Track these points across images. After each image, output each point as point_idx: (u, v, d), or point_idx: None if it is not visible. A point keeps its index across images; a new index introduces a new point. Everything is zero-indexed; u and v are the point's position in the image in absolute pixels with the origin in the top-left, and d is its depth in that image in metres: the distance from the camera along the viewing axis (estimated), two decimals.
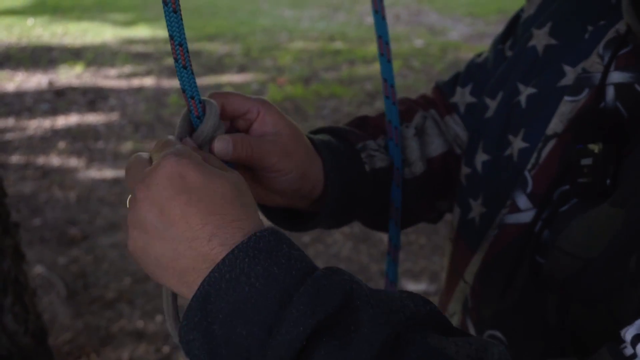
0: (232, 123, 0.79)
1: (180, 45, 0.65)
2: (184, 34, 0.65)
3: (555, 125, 0.79)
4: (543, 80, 0.83)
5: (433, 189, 0.99)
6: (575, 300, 0.68)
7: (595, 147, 0.71)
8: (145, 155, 0.66)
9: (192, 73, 0.67)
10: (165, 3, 0.64)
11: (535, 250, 0.75)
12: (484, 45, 7.29)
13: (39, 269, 3.16)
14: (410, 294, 0.57)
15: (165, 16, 0.65)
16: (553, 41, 0.85)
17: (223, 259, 0.56)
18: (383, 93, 0.93)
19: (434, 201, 1.02)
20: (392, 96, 0.92)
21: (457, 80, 1.04)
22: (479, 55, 1.05)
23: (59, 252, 3.46)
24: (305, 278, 0.55)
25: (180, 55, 0.65)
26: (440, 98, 1.04)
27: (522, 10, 0.98)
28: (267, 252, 0.56)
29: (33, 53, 7.15)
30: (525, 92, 0.85)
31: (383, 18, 0.89)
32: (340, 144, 0.88)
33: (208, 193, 0.59)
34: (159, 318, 2.93)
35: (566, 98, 0.79)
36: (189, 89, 0.68)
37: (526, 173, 0.80)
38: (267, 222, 0.76)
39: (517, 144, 0.84)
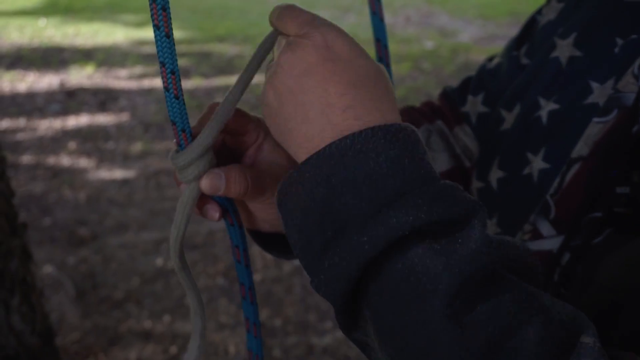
0: (224, 139, 0.73)
1: (173, 73, 0.60)
2: (176, 60, 0.60)
3: (581, 147, 0.73)
4: (567, 96, 0.78)
5: None
6: (613, 338, 0.63)
7: (634, 175, 0.66)
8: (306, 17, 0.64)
9: (184, 103, 0.62)
10: (157, 27, 0.58)
11: (561, 282, 0.71)
12: (495, 47, 7.28)
13: (48, 269, 3.18)
14: (523, 243, 0.56)
15: (157, 41, 0.59)
16: (578, 53, 0.79)
17: (360, 132, 0.54)
18: None
19: None
20: None
21: (468, 87, 0.98)
22: (490, 59, 0.99)
23: (68, 252, 3.47)
24: (432, 181, 0.53)
25: (172, 84, 0.60)
26: (449, 107, 0.99)
27: (539, 13, 0.92)
28: (404, 143, 0.54)
29: (45, 54, 7.19)
30: (547, 107, 0.79)
31: (381, 20, 0.85)
32: None
33: (354, 66, 0.58)
34: (166, 318, 2.94)
35: (595, 119, 0.72)
36: (179, 122, 0.62)
37: (548, 198, 0.75)
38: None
39: (537, 163, 0.78)
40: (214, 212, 0.70)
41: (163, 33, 0.59)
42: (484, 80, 0.96)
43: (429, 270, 0.49)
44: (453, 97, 1.00)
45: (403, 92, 5.74)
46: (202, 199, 0.69)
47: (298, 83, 0.57)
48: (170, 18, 0.59)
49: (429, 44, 7.50)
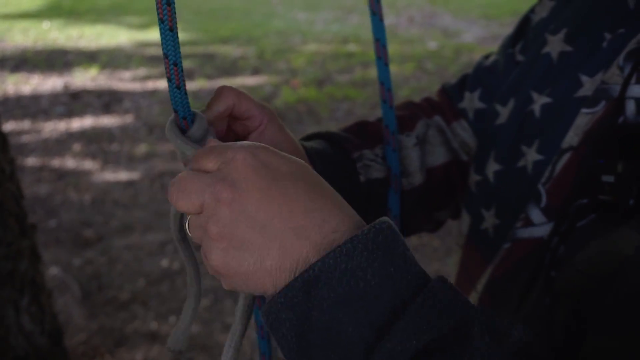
0: (230, 124, 0.76)
1: (175, 64, 0.62)
2: (179, 53, 0.63)
3: (571, 138, 0.76)
4: (558, 89, 0.81)
5: (432, 200, 0.97)
6: (586, 319, 0.65)
7: (619, 166, 0.68)
8: (186, 172, 0.58)
9: (186, 93, 0.65)
10: (161, 20, 0.61)
11: (551, 265, 0.73)
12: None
13: (54, 270, 3.19)
14: (510, 321, 0.54)
15: (161, 34, 0.62)
16: (568, 48, 0.82)
17: (340, 247, 0.51)
18: (380, 97, 0.91)
19: (433, 212, 1.00)
20: (390, 100, 0.90)
21: (465, 84, 1.01)
22: (487, 57, 1.02)
23: (74, 253, 3.48)
24: (422, 287, 0.51)
25: (175, 75, 0.63)
26: (447, 103, 1.02)
27: (532, 11, 0.95)
28: (385, 248, 0.52)
29: (49, 56, 7.21)
30: (540, 101, 0.82)
31: (381, 20, 0.86)
32: (335, 153, 0.87)
33: (302, 177, 0.55)
34: (172, 319, 2.94)
35: (583, 110, 0.75)
36: (181, 110, 0.65)
37: (540, 187, 0.78)
38: None
39: (532, 155, 0.81)
40: None
41: (167, 26, 0.62)
42: (481, 77, 0.99)
43: None
44: (451, 94, 1.02)
45: (407, 92, 5.75)
46: None
47: (258, 215, 0.53)
48: (175, 12, 0.62)
49: (433, 45, 7.50)
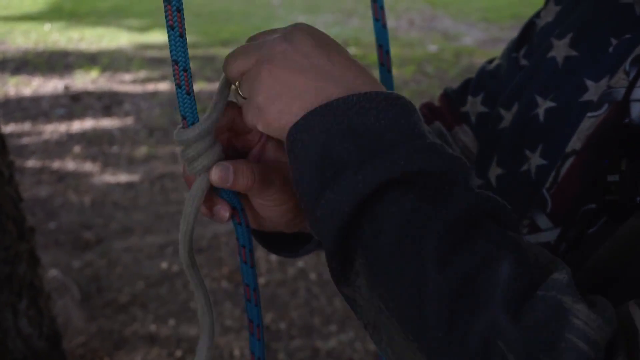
0: (230, 139, 0.74)
1: (185, 70, 0.63)
2: (188, 58, 0.64)
3: (574, 142, 0.76)
4: (563, 94, 0.80)
5: None
6: None
7: (622, 164, 0.68)
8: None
9: (195, 99, 0.65)
10: (171, 27, 0.62)
11: None
12: (499, 51, 7.20)
13: (53, 273, 3.19)
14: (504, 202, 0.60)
15: (171, 41, 0.62)
16: (574, 53, 0.81)
17: (365, 93, 0.59)
18: None
19: None
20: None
21: (468, 88, 1.00)
22: (490, 61, 1.01)
23: (73, 255, 3.48)
24: (424, 138, 0.58)
25: (185, 81, 0.63)
26: (448, 107, 1.01)
27: (537, 16, 0.94)
28: (402, 109, 0.59)
29: (49, 58, 7.22)
30: (544, 105, 0.82)
31: (383, 26, 0.86)
32: None
33: (343, 50, 0.64)
34: (171, 322, 2.94)
35: (588, 114, 0.75)
36: (190, 116, 0.66)
37: (544, 192, 0.77)
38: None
39: (535, 160, 0.81)
40: (224, 211, 0.71)
41: (177, 33, 0.62)
42: (484, 81, 0.98)
43: (421, 214, 0.53)
44: (453, 98, 1.01)
45: (407, 95, 5.72)
46: (211, 199, 0.71)
47: (304, 63, 0.61)
48: (184, 18, 0.62)
49: (433, 48, 7.50)
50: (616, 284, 0.63)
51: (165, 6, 0.61)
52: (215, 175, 0.67)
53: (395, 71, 6.44)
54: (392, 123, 0.58)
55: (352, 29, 8.57)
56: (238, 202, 0.72)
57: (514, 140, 0.85)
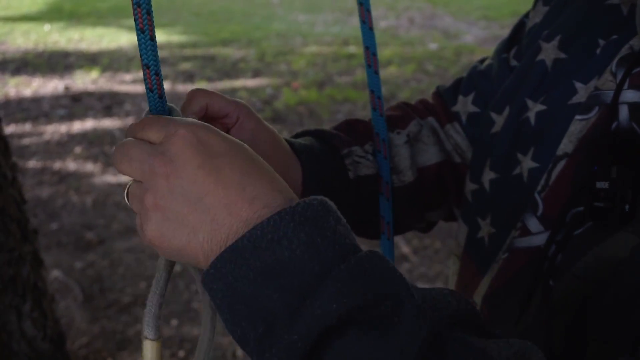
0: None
1: (157, 74, 0.62)
2: (159, 62, 0.63)
3: (565, 145, 0.76)
4: (553, 96, 0.80)
5: (423, 199, 0.97)
6: (587, 325, 0.65)
7: (612, 171, 0.68)
8: (131, 139, 0.61)
9: (166, 101, 0.65)
10: (141, 31, 0.61)
11: (549, 274, 0.72)
12: None
13: (55, 274, 3.18)
14: (452, 291, 0.55)
15: (141, 44, 0.61)
16: (562, 55, 0.81)
17: (268, 219, 0.53)
18: (370, 105, 0.90)
19: (424, 212, 0.99)
20: (380, 108, 0.90)
21: (459, 87, 1.01)
22: (482, 61, 1.02)
23: (75, 256, 3.48)
24: (348, 256, 0.53)
25: (157, 85, 0.63)
26: (441, 105, 1.02)
27: (526, 16, 0.95)
28: (314, 221, 0.54)
29: (50, 59, 7.21)
30: (535, 108, 0.82)
31: (370, 29, 0.87)
32: (323, 149, 0.86)
33: (238, 155, 0.57)
34: (174, 322, 2.94)
35: (577, 117, 0.75)
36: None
37: (536, 195, 0.77)
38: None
39: (527, 163, 0.81)
40: None
41: (148, 36, 0.61)
42: (475, 81, 0.99)
43: (373, 353, 0.49)
44: (445, 97, 1.02)
45: (407, 94, 5.75)
46: None
47: (191, 190, 0.56)
48: (154, 21, 0.61)
49: (433, 46, 7.50)
50: (606, 293, 0.63)
51: (134, 9, 0.60)
52: None
53: (395, 70, 6.45)
54: (309, 249, 0.52)
55: (352, 28, 8.56)
56: None
57: (506, 144, 0.85)
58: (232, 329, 0.55)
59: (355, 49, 7.40)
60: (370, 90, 0.90)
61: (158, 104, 0.63)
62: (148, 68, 0.62)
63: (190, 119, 0.60)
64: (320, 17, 9.29)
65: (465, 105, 0.98)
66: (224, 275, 0.53)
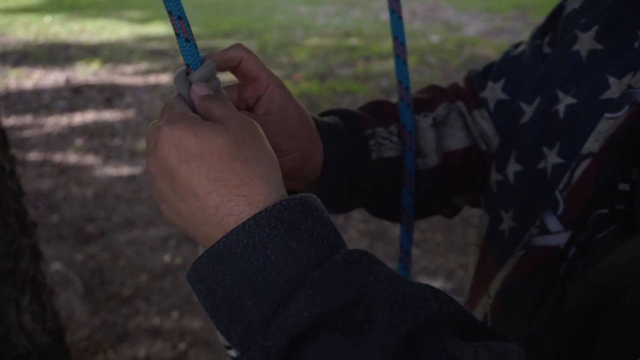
0: (240, 92, 0.76)
1: (180, 18, 0.64)
2: (182, 7, 0.65)
3: (591, 144, 0.72)
4: (584, 90, 0.77)
5: (449, 183, 0.95)
6: (597, 334, 0.62)
7: (635, 172, 0.65)
8: (155, 122, 0.64)
9: (195, 45, 0.66)
10: None
11: (566, 276, 0.70)
12: (501, 41, 7.27)
13: (56, 266, 3.18)
14: (436, 292, 0.54)
15: None
16: (599, 46, 0.77)
17: (243, 224, 0.54)
18: (398, 95, 0.90)
19: (449, 196, 0.98)
20: (407, 99, 0.89)
21: (490, 72, 0.98)
22: (517, 45, 0.98)
23: (76, 248, 3.48)
24: (324, 261, 0.53)
25: (182, 29, 0.65)
26: (470, 90, 0.99)
27: (565, 0, 0.90)
28: (290, 224, 0.54)
29: (50, 50, 7.19)
30: (565, 101, 0.78)
31: (399, 18, 0.85)
32: (347, 129, 0.85)
33: (206, 157, 0.57)
34: (175, 315, 2.94)
35: (606, 115, 0.72)
36: (193, 63, 0.67)
37: (557, 193, 0.74)
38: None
39: (552, 158, 0.78)
40: None
41: None
42: (506, 67, 0.96)
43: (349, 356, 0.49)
44: (474, 81, 0.99)
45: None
46: None
47: (173, 191, 0.59)
48: None
49: (435, 38, 7.47)
50: (620, 303, 0.60)
51: None
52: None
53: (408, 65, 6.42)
54: (283, 254, 0.53)
55: (354, 20, 8.53)
56: None
57: (533, 136, 0.82)
58: (216, 324, 0.57)
59: (357, 41, 7.37)
60: (398, 81, 0.89)
61: (186, 46, 0.65)
62: (171, 14, 0.64)
63: (172, 115, 0.61)
64: (321, 9, 9.25)
65: (494, 91, 0.95)
66: (203, 278, 0.55)
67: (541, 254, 0.75)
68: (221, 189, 0.56)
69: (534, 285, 0.74)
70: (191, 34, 0.65)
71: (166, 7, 0.64)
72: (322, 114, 0.89)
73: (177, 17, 0.64)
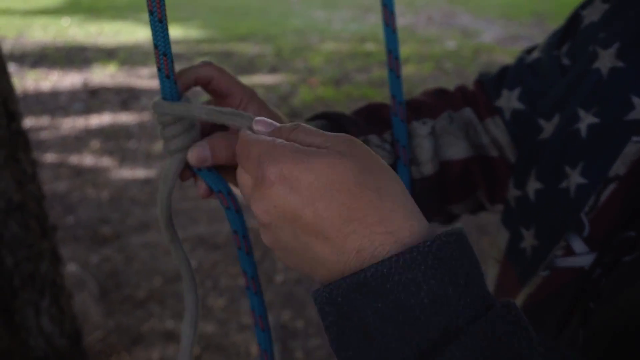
0: (209, 103, 0.76)
1: (165, 55, 0.66)
2: (169, 43, 0.66)
3: (618, 167, 0.71)
4: (607, 109, 0.75)
5: (445, 193, 0.93)
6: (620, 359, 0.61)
7: None
8: (243, 178, 0.57)
9: (175, 82, 0.68)
10: (150, 12, 0.64)
11: (591, 297, 0.69)
12: (518, 48, 7.22)
13: (72, 267, 3.20)
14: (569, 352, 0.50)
15: (151, 26, 0.65)
16: (621, 64, 0.75)
17: (397, 257, 0.47)
18: (391, 110, 0.87)
19: (445, 205, 0.96)
20: (400, 113, 0.87)
21: (504, 79, 0.95)
22: (529, 50, 0.96)
23: (91, 250, 3.50)
24: (480, 315, 0.48)
25: (164, 65, 0.66)
26: (482, 96, 0.96)
27: (583, 7, 0.87)
28: (447, 265, 0.48)
29: (68, 52, 7.25)
30: (587, 120, 0.77)
31: (394, 31, 0.84)
32: None
33: (333, 194, 0.49)
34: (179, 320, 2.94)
35: (633, 139, 0.70)
36: (169, 98, 0.68)
37: (583, 216, 0.73)
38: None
39: (575, 178, 0.76)
40: (202, 190, 0.72)
41: (156, 18, 0.64)
42: (522, 75, 0.93)
43: None
44: (488, 88, 0.96)
45: None
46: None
47: (294, 243, 0.53)
48: (164, 4, 0.64)
49: (451, 44, 7.45)
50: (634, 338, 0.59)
51: None
52: (192, 156, 0.68)
53: (413, 68, 6.41)
54: (437, 299, 0.47)
55: (370, 25, 8.53)
56: (223, 184, 0.71)
57: (554, 154, 0.81)
58: (337, 350, 0.51)
59: (373, 46, 7.37)
60: (392, 96, 0.87)
61: (166, 82, 0.67)
62: (157, 48, 0.65)
63: (271, 141, 0.54)
64: (337, 14, 9.26)
65: (509, 100, 0.93)
66: (338, 303, 0.49)
67: (566, 275, 0.73)
68: (360, 229, 0.49)
69: (558, 305, 0.73)
70: (172, 71, 0.67)
71: (154, 41, 0.65)
72: (312, 118, 0.88)
73: (163, 53, 0.65)
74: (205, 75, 0.73)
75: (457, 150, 0.92)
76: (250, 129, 0.59)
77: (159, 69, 0.66)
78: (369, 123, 0.88)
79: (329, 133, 0.55)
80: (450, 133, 0.92)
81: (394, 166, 0.88)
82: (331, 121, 0.86)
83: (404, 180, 0.87)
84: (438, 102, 0.94)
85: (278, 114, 0.78)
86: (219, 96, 0.75)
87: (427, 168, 0.90)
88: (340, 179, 0.50)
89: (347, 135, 0.54)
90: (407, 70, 6.39)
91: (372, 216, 0.49)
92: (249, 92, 0.76)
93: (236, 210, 0.71)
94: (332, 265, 0.51)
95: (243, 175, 0.57)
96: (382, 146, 0.87)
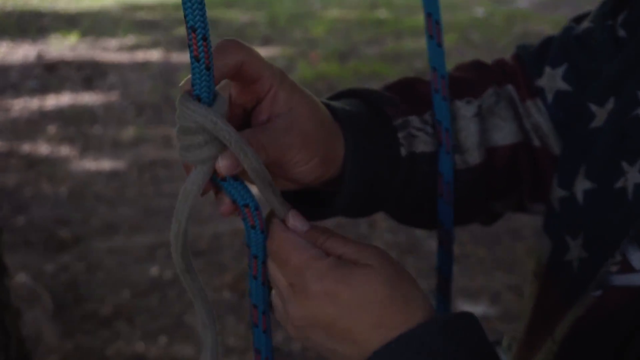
0: (233, 94, 0.74)
1: (204, 39, 0.61)
2: (207, 23, 0.61)
3: None
4: None
5: (490, 185, 0.94)
6: None
7: None
8: (279, 275, 0.71)
9: (213, 77, 0.64)
10: None
11: None
12: (559, 16, 7.22)
13: (22, 278, 3.19)
14: None
15: (184, 2, 0.61)
16: None
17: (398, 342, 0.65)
18: (432, 86, 0.88)
19: (489, 201, 0.96)
20: (443, 89, 0.87)
21: (547, 53, 0.95)
22: (578, 19, 0.96)
23: (46, 257, 3.49)
24: None
25: (204, 52, 0.62)
26: (522, 74, 0.96)
27: None
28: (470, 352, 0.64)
29: (20, 19, 7.26)
30: None
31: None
32: (372, 117, 0.83)
33: (366, 306, 0.66)
34: (162, 339, 2.95)
35: None
36: (206, 97, 0.64)
37: None
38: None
39: (634, 176, 0.76)
40: (225, 206, 0.72)
41: None
42: (568, 49, 0.93)
43: None
44: (528, 64, 0.97)
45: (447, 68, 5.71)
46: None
47: (326, 342, 0.70)
48: None
49: (480, 11, 7.47)
50: None
51: None
52: (225, 165, 0.67)
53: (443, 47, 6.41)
54: None
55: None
56: (251, 198, 0.70)
57: (608, 148, 0.81)
58: None
59: (386, 13, 7.38)
60: (432, 68, 0.88)
61: (204, 75, 0.63)
62: (194, 31, 0.61)
63: (311, 251, 0.70)
64: None
65: (553, 79, 0.93)
66: None
67: (624, 295, 0.73)
68: (385, 332, 0.66)
69: (613, 333, 0.72)
70: (212, 60, 0.63)
71: (188, 22, 0.60)
72: (340, 94, 0.87)
73: (202, 37, 0.61)
74: (236, 62, 0.70)
75: (504, 134, 0.93)
76: (284, 219, 0.72)
77: (197, 58, 0.62)
78: (404, 101, 0.88)
79: (359, 243, 0.71)
80: (497, 114, 0.93)
81: (435, 154, 0.88)
82: (364, 101, 0.85)
83: (447, 171, 0.88)
84: (479, 76, 0.95)
85: (312, 98, 0.77)
86: (245, 82, 0.72)
87: (474, 156, 0.91)
88: (373, 293, 0.66)
89: (376, 247, 0.71)
90: (424, 43, 6.37)
91: (399, 319, 0.66)
92: (279, 74, 0.74)
93: (261, 231, 0.72)
94: (355, 357, 0.68)
95: (278, 274, 0.71)
96: (424, 129, 0.88)
